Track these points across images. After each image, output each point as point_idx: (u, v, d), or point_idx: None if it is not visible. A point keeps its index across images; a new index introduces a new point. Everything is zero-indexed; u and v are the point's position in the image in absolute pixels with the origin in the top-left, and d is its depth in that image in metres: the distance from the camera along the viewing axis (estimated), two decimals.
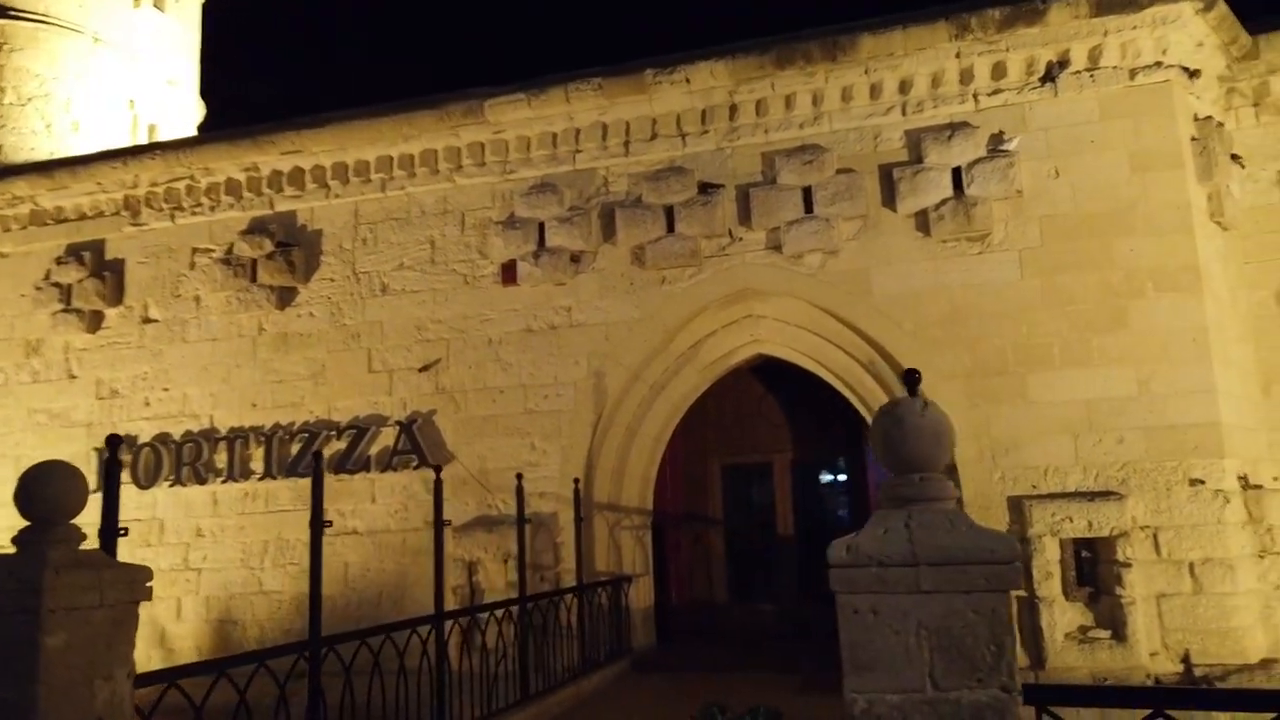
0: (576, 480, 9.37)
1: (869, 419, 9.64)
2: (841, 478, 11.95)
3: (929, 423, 2.55)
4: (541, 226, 10.14)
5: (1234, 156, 9.23)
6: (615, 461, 10.01)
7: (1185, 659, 7.78)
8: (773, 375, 11.25)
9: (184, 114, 15.90)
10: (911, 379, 2.94)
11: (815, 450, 11.78)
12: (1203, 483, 8.03)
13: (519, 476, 8.54)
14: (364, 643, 5.34)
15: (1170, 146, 8.62)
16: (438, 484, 6.84)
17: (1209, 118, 9.06)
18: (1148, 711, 2.18)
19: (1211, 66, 9.17)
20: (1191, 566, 7.95)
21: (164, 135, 14.97)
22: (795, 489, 11.68)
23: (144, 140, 14.54)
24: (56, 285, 11.64)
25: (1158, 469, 8.18)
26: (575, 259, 10.03)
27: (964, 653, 2.27)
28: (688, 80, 9.68)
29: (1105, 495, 8.12)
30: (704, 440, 11.47)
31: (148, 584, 3.58)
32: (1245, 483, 8.23)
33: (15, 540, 3.38)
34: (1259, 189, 9.45)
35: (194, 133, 16.00)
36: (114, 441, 4.31)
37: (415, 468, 10.18)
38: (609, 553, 9.88)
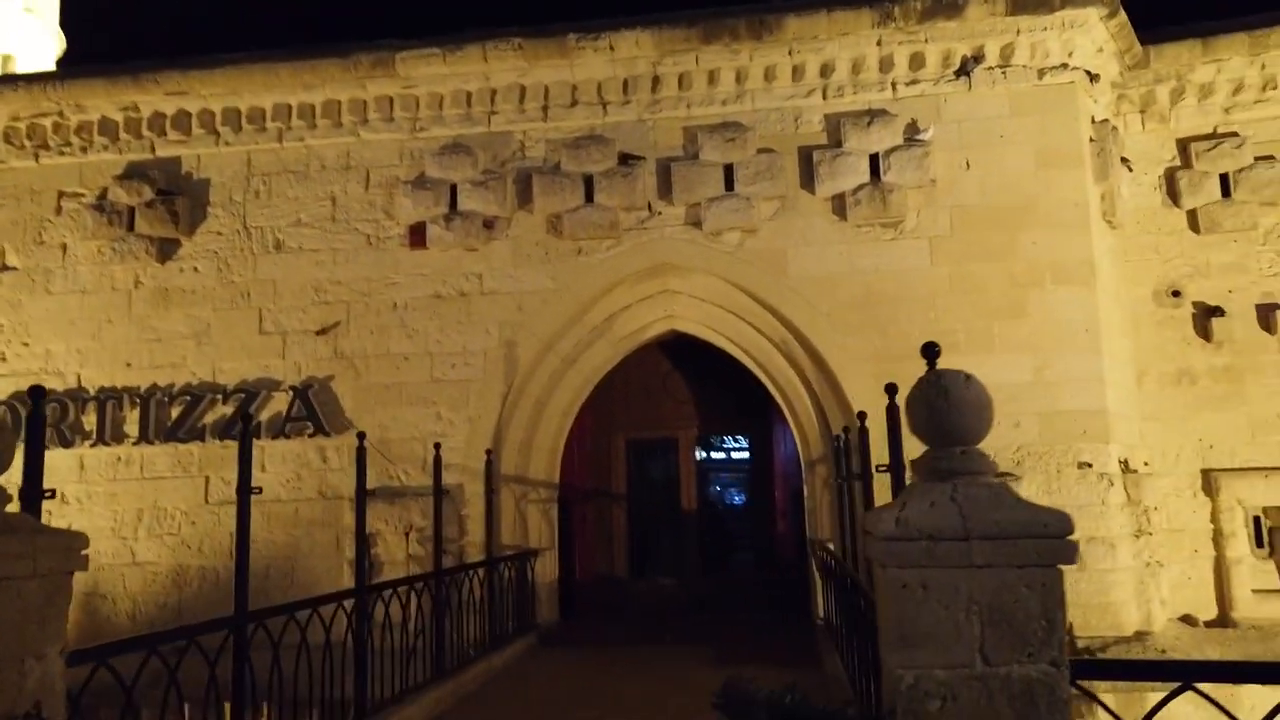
0: (489, 451, 9.13)
1: (779, 397, 9.81)
2: (743, 455, 12.11)
3: (974, 396, 2.54)
4: (453, 189, 9.76)
5: (1123, 159, 9.78)
6: (523, 434, 9.80)
7: (1069, 632, 8.26)
8: (679, 351, 11.26)
9: (42, 45, 14.49)
10: (931, 352, 2.93)
11: (721, 427, 11.89)
12: (1090, 466, 8.53)
13: (437, 446, 8.22)
14: (292, 617, 5.01)
15: (1072, 146, 9.06)
16: (361, 451, 6.51)
17: (1105, 120, 9.56)
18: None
19: (1107, 73, 9.67)
20: (1077, 545, 8.43)
21: (21, 67, 13.62)
22: (699, 465, 11.78)
23: None
24: None
25: (1050, 452, 8.64)
26: (489, 225, 9.71)
27: (1015, 627, 2.28)
28: (611, 48, 9.48)
29: (1003, 476, 8.47)
30: (609, 414, 11.38)
31: (83, 551, 3.20)
32: (1125, 466, 8.79)
33: None
34: (1141, 192, 10.05)
35: (52, 66, 14.62)
36: (38, 393, 3.84)
37: (310, 435, 9.67)
38: (515, 526, 9.68)
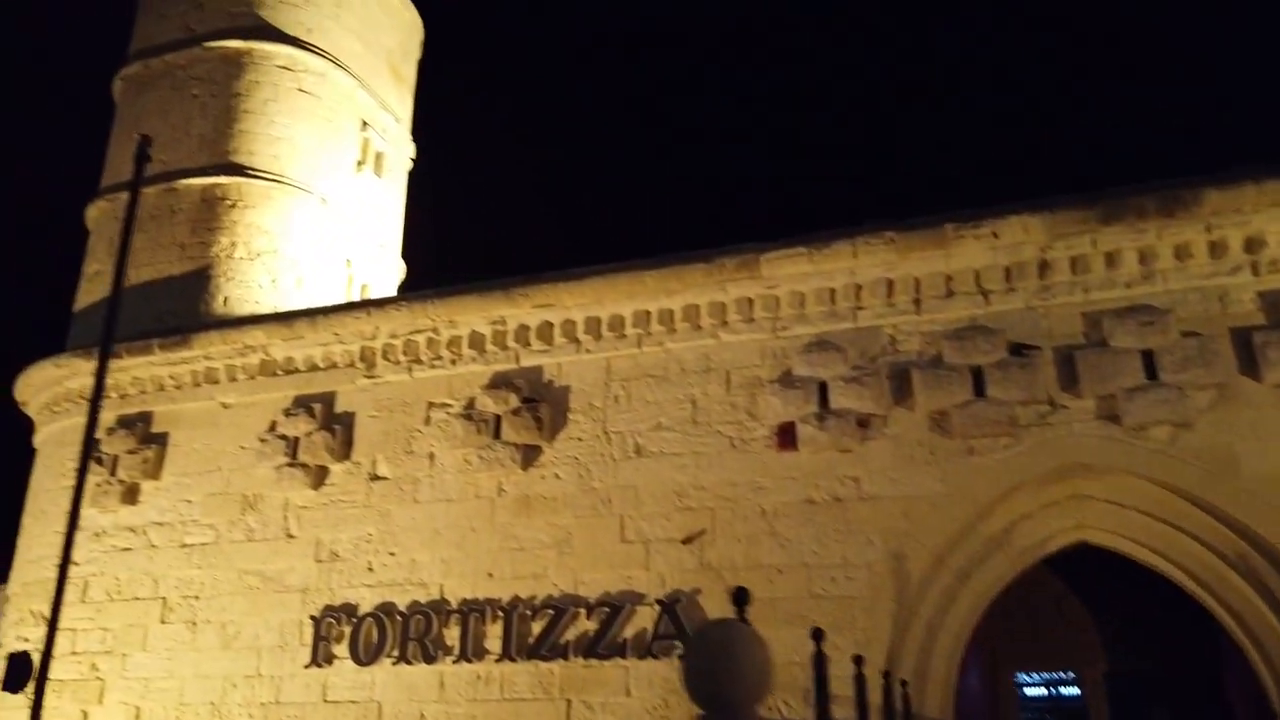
0: (904, 683, 7.99)
1: (1233, 625, 8.13)
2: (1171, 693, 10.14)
3: None
4: (823, 386, 9.26)
5: None
6: (915, 662, 8.61)
7: None
8: (1070, 567, 9.81)
9: (390, 275, 15.96)
10: None
11: (1135, 661, 10.10)
12: None
13: (857, 660, 7.19)
14: None
15: None
16: (819, 657, 5.62)
17: None
18: None
19: None
20: None
21: (374, 294, 14.95)
22: (1115, 710, 9.96)
23: (358, 299, 14.47)
24: (283, 438, 11.16)
25: None
26: (863, 423, 9.06)
27: None
28: (995, 235, 8.95)
29: None
30: (990, 641, 9.96)
31: None
32: None
33: None
34: None
35: (395, 291, 16.00)
36: (743, 596, 3.30)
37: (680, 656, 8.93)
38: None
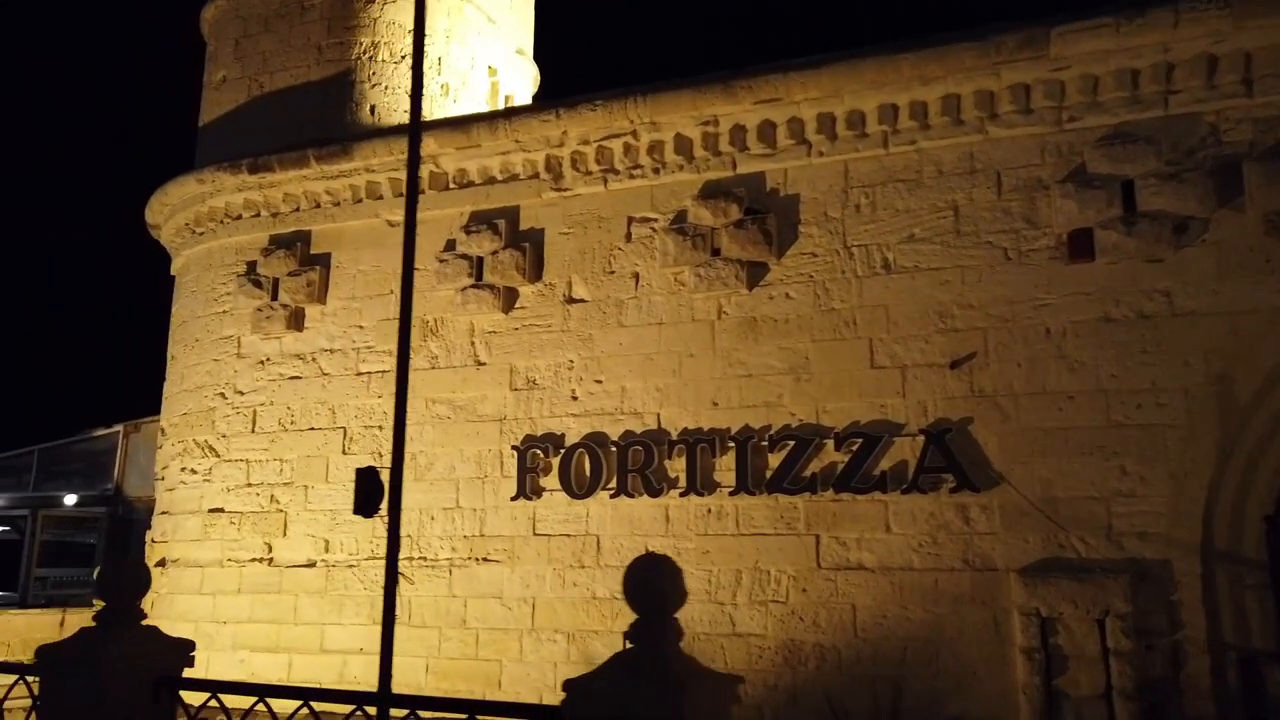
0: (1268, 518, 6.96)
1: None
2: None
3: None
4: (1128, 186, 7.85)
5: None
6: (1233, 496, 7.56)
7: None
8: None
9: (527, 83, 14.46)
10: None
11: None
12: None
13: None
14: None
15: None
16: None
17: None
18: None
19: None
20: None
21: (519, 104, 13.51)
22: None
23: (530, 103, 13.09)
24: (464, 257, 10.09)
25: None
26: (1180, 228, 7.69)
27: None
28: None
29: None
30: None
31: None
32: None
33: None
34: None
35: (530, 100, 14.53)
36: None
37: (952, 490, 7.98)
38: (1231, 618, 7.41)
